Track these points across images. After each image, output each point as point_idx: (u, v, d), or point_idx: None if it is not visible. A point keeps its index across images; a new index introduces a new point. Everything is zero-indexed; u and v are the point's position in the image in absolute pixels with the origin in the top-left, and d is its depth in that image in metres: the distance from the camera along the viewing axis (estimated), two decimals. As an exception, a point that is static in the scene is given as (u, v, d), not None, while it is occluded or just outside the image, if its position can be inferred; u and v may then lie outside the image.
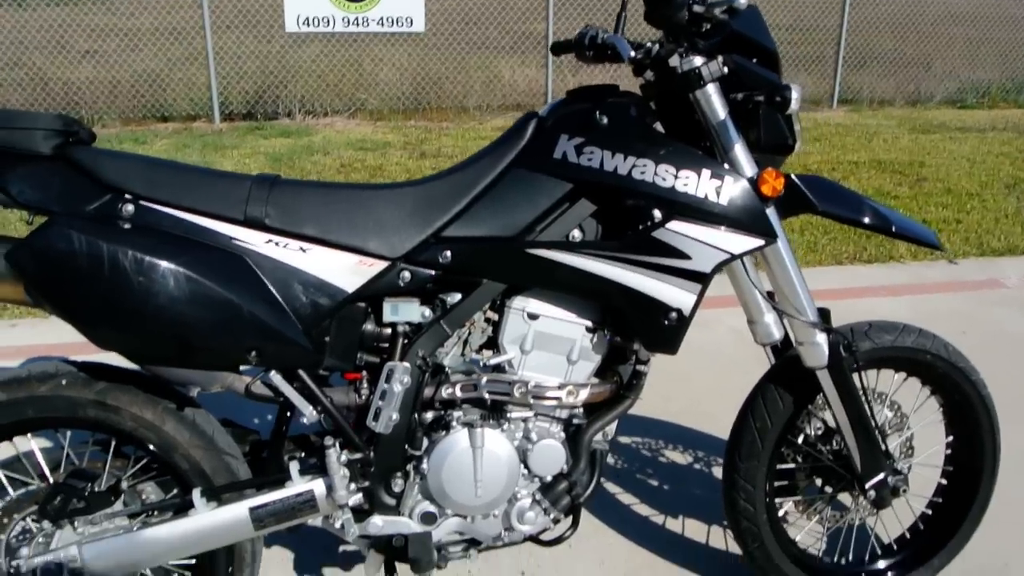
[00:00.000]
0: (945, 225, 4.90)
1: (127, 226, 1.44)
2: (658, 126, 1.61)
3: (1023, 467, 2.49)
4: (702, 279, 1.52)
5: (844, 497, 1.91)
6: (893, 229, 1.67)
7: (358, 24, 7.70)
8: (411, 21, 7.83)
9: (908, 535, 2.03)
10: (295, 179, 1.57)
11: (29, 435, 1.60)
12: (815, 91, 9.39)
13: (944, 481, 2.00)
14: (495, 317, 1.63)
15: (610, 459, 2.54)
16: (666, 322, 1.54)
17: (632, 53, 1.56)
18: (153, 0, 8.84)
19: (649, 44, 1.59)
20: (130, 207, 1.45)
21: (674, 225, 1.50)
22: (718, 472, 2.44)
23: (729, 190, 1.51)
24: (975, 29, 10.40)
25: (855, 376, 1.75)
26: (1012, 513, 2.28)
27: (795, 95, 1.45)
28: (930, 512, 2.02)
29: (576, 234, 1.55)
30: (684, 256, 1.51)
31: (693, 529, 2.22)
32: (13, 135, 1.43)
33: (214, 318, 1.43)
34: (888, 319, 1.88)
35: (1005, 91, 9.75)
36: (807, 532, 2.02)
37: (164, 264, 1.41)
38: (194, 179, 1.50)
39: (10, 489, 1.61)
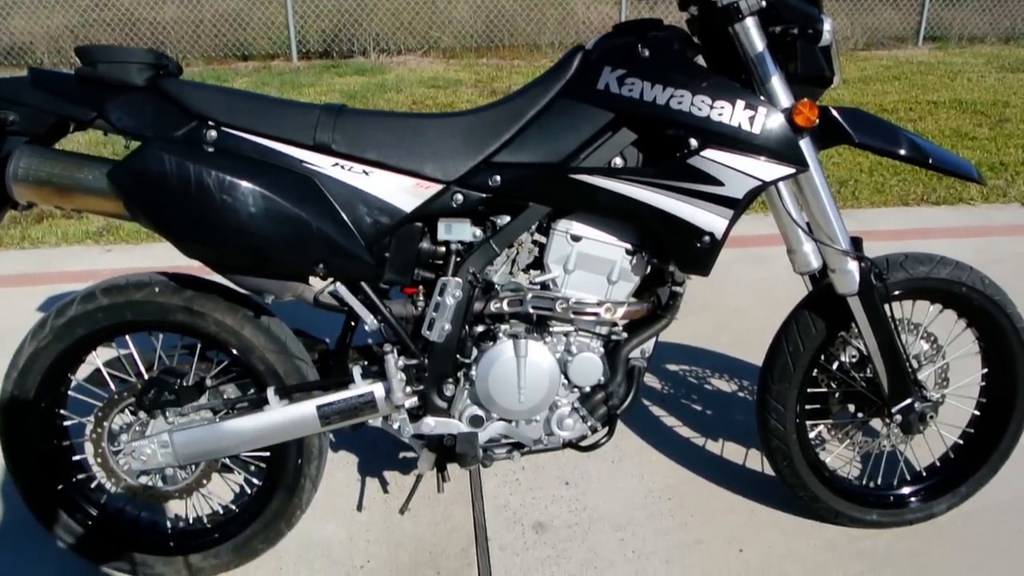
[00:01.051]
0: (1023, 167, 4.77)
1: (210, 150, 1.61)
2: (700, 59, 1.69)
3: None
4: (734, 205, 1.61)
5: (876, 424, 2.00)
6: (930, 161, 1.72)
7: (432, -39, 7.76)
8: (485, -42, 7.84)
9: (938, 463, 2.10)
10: (359, 108, 1.71)
11: (127, 337, 1.82)
12: (900, 28, 9.06)
13: (977, 412, 2.06)
14: (541, 238, 1.75)
15: (657, 384, 2.67)
16: (699, 245, 1.64)
17: None
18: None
19: None
20: (213, 133, 1.62)
21: (709, 153, 1.59)
22: (761, 400, 2.54)
23: (762, 120, 1.59)
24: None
25: (886, 304, 1.82)
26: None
27: (827, 27, 1.51)
28: (961, 442, 2.08)
29: (618, 161, 1.65)
30: (718, 183, 1.60)
31: (731, 451, 2.34)
32: (112, 69, 1.61)
33: (286, 233, 1.59)
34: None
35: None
36: (839, 456, 2.12)
37: (243, 184, 1.57)
38: (268, 108, 1.65)
39: (112, 384, 1.83)
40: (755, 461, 2.29)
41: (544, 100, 1.66)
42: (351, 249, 1.63)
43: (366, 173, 1.64)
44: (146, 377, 1.81)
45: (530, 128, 1.65)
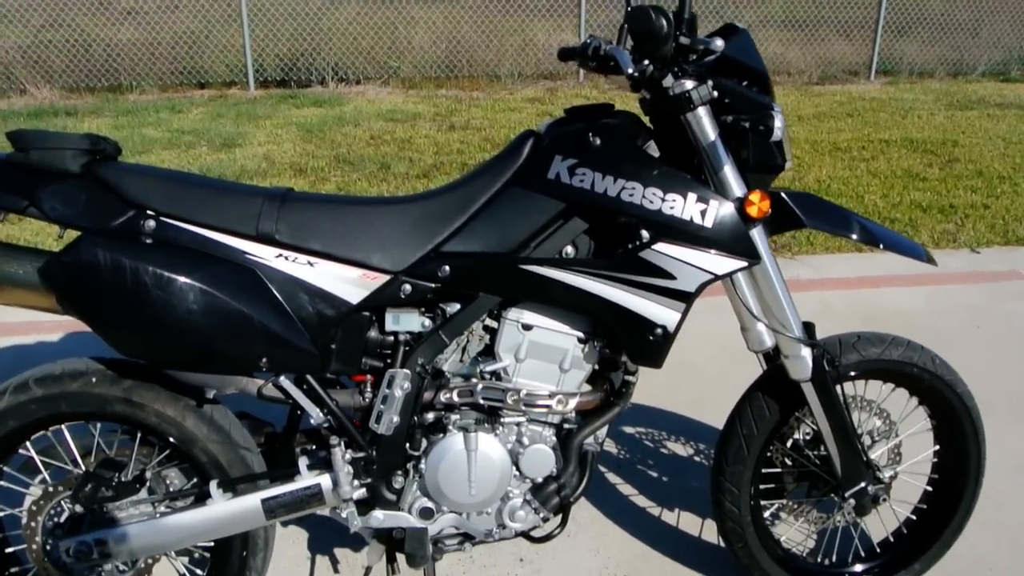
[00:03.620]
0: (972, 211, 4.86)
1: (148, 241, 1.55)
2: (651, 145, 1.68)
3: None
4: (686, 298, 1.60)
5: (830, 501, 1.99)
6: (880, 245, 1.73)
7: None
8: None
9: (892, 539, 2.10)
10: (305, 193, 1.67)
11: (63, 425, 1.74)
12: (853, 60, 9.24)
13: (930, 488, 2.07)
14: (493, 326, 1.71)
15: (613, 449, 2.64)
16: (651, 338, 1.62)
17: (630, 69, 1.60)
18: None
19: (646, 63, 1.62)
20: (151, 223, 1.56)
21: (661, 246, 1.57)
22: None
23: (714, 213, 1.58)
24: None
25: (838, 388, 1.81)
26: (1002, 517, 2.34)
27: (778, 124, 1.51)
28: (915, 518, 2.09)
29: (569, 250, 1.63)
30: (670, 276, 1.58)
31: (687, 522, 2.32)
32: (46, 155, 1.54)
33: (228, 328, 1.54)
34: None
35: (1052, 63, 9.53)
36: (795, 532, 2.11)
37: (182, 279, 1.52)
38: (210, 195, 1.60)
39: (46, 474, 1.75)
40: (710, 532, 2.27)
41: (494, 188, 1.63)
42: (296, 342, 1.58)
43: (311, 264, 1.60)
44: (83, 468, 1.74)
45: (479, 217, 1.62)
